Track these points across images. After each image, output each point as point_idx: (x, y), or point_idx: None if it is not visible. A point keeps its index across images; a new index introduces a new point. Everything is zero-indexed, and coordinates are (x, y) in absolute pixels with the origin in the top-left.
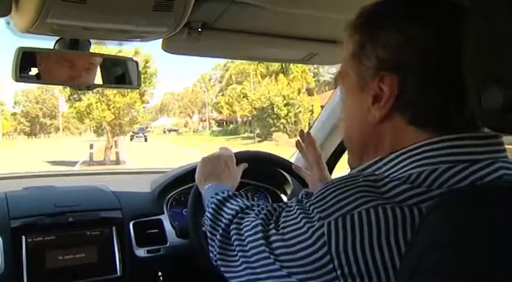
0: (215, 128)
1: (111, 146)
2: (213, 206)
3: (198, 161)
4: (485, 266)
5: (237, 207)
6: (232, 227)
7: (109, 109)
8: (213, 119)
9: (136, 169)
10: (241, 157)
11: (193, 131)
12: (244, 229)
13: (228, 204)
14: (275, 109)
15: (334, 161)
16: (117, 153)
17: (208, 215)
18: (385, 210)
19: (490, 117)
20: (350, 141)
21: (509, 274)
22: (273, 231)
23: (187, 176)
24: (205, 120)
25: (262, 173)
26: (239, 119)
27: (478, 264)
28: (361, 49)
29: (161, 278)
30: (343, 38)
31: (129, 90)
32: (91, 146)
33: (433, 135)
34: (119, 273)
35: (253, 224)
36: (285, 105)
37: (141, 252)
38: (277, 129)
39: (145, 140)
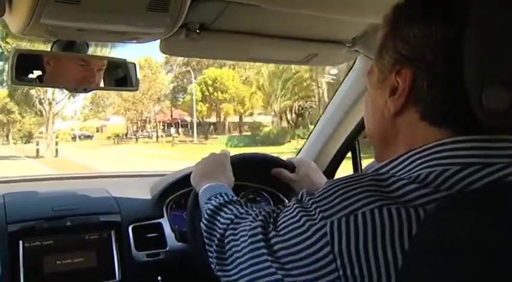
0: (160, 132)
1: None
2: (206, 216)
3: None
4: (485, 271)
5: (231, 216)
6: (227, 233)
7: None
8: (160, 121)
9: (136, 172)
10: (237, 160)
11: (147, 138)
12: (240, 234)
13: (222, 213)
14: None
15: (334, 166)
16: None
17: (203, 225)
18: (390, 210)
19: (491, 118)
20: (371, 136)
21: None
22: (273, 233)
23: (187, 179)
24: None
25: (263, 175)
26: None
27: (478, 269)
28: (383, 44)
29: None
30: (344, 38)
31: None
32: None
33: (445, 134)
34: (117, 278)
35: (250, 227)
36: None
37: (140, 256)
38: None
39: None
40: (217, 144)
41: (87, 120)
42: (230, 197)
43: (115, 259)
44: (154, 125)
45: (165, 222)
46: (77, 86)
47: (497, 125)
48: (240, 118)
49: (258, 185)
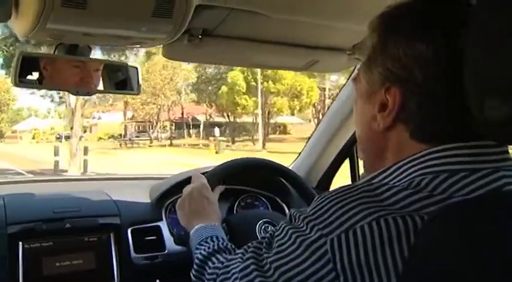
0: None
1: None
2: (195, 266)
3: (200, 167)
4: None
5: (219, 265)
6: (219, 279)
7: None
8: (170, 120)
9: (135, 175)
10: (218, 174)
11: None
12: (233, 278)
13: (209, 263)
14: None
15: (331, 175)
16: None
17: (192, 276)
18: (387, 221)
19: (493, 128)
20: (361, 145)
21: None
22: (268, 260)
23: (186, 182)
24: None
25: (261, 180)
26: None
27: (476, 279)
28: (372, 57)
29: None
30: (344, 46)
31: None
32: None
33: (434, 146)
34: (116, 280)
35: (241, 267)
36: None
37: (139, 259)
38: None
39: None
40: None
41: (62, 118)
42: (220, 243)
43: (114, 261)
44: (164, 124)
45: (163, 226)
46: (78, 89)
47: (498, 135)
48: (268, 118)
49: (256, 189)
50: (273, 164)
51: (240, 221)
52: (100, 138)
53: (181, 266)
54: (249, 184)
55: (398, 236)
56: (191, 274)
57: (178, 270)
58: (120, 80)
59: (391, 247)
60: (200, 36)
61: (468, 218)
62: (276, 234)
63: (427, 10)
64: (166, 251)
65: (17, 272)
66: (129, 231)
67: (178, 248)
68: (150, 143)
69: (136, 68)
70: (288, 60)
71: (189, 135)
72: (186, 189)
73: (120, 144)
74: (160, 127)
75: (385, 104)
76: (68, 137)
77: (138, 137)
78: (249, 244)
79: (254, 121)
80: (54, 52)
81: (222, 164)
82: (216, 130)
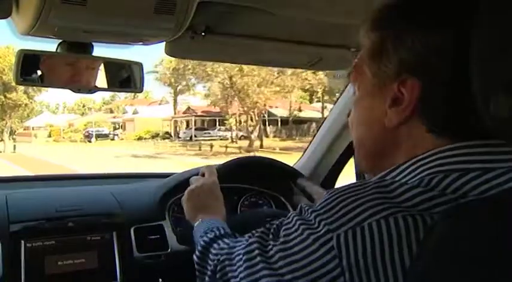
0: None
1: None
2: (199, 248)
3: (201, 166)
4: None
5: (224, 245)
6: (222, 258)
7: None
8: (193, 114)
9: (138, 173)
10: (222, 171)
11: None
12: (236, 259)
13: (215, 245)
14: None
15: (335, 175)
16: None
17: (196, 258)
18: (397, 219)
19: (499, 125)
20: (362, 145)
21: None
22: (274, 248)
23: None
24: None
25: (266, 179)
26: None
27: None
28: (382, 48)
29: None
30: (347, 43)
31: None
32: None
33: (447, 142)
34: (118, 280)
35: (245, 250)
36: None
37: (142, 258)
38: None
39: None
40: None
41: (72, 112)
42: (224, 231)
43: (116, 260)
44: (239, 119)
45: (166, 225)
46: (81, 87)
47: (504, 132)
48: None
49: (260, 188)
50: (277, 163)
51: (240, 225)
52: (140, 138)
53: (185, 265)
54: (252, 183)
55: (407, 234)
56: (194, 257)
57: (182, 269)
58: (125, 78)
59: (399, 246)
60: (203, 33)
61: (480, 219)
62: (284, 222)
63: (440, 2)
64: (169, 250)
65: (19, 270)
66: (132, 230)
67: (182, 247)
68: (249, 146)
69: (140, 65)
70: (291, 57)
71: (266, 134)
72: (198, 182)
73: (200, 148)
74: (238, 123)
75: (397, 98)
76: (100, 136)
77: (196, 136)
78: (255, 230)
79: None
80: (56, 50)
81: (228, 161)
82: None
